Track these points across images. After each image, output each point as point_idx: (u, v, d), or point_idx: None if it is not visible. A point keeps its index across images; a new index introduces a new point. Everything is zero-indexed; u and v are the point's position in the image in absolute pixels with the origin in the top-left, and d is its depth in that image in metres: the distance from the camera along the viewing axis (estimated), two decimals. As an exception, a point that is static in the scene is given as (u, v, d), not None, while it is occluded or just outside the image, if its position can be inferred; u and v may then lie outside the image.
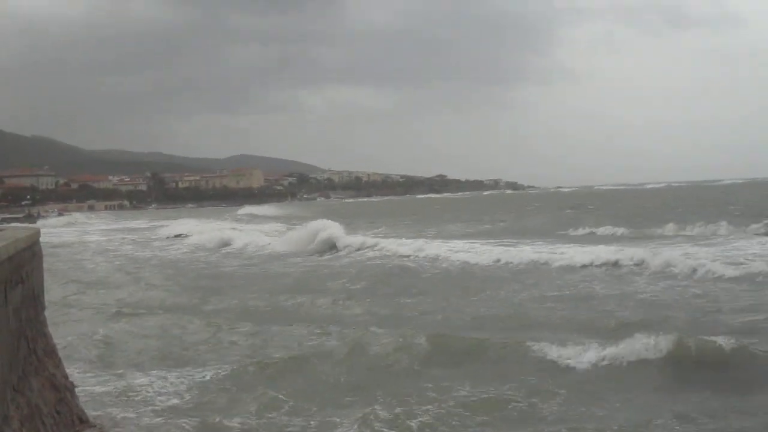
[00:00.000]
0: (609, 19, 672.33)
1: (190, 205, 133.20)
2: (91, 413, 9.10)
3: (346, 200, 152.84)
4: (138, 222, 76.22)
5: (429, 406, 9.11)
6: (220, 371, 11.12)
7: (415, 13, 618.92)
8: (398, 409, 8.97)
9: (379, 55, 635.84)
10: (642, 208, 57.92)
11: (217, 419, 9.07)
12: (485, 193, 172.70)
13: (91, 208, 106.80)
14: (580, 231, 36.92)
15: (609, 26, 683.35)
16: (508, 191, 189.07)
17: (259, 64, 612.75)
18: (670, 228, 34.10)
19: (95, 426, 8.85)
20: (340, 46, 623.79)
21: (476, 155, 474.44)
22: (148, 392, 10.35)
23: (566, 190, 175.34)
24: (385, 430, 8.42)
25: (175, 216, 73.18)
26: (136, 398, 10.12)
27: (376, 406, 9.07)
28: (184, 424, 8.94)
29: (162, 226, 56.69)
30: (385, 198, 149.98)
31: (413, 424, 8.54)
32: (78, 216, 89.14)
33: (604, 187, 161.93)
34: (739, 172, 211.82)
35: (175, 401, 9.98)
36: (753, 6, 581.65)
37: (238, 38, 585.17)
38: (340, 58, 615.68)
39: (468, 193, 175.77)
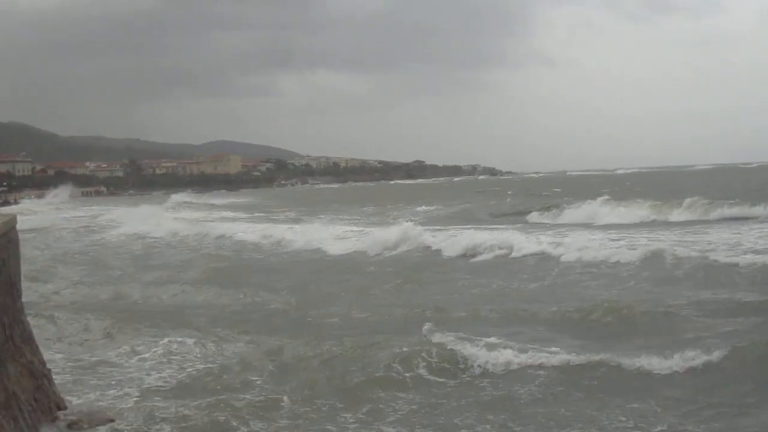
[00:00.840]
0: (589, 4, 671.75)
1: (163, 192, 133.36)
2: (68, 399, 9.47)
3: (320, 186, 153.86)
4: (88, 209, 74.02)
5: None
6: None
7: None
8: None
9: (359, 41, 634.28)
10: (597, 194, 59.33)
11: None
12: (456, 179, 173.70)
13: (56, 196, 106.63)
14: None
15: (589, 11, 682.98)
16: (481, 177, 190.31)
17: (239, 50, 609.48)
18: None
19: (73, 413, 9.01)
20: (320, 31, 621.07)
21: (455, 141, 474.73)
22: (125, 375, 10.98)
23: (539, 175, 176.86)
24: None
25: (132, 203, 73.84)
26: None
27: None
28: (168, 407, 9.39)
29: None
30: (359, 184, 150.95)
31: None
32: (28, 203, 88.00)
33: (576, 173, 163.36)
34: (715, 158, 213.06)
35: (157, 384, 10.61)
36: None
37: (219, 23, 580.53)
38: (320, 43, 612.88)
39: (442, 178, 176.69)
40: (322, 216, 45.31)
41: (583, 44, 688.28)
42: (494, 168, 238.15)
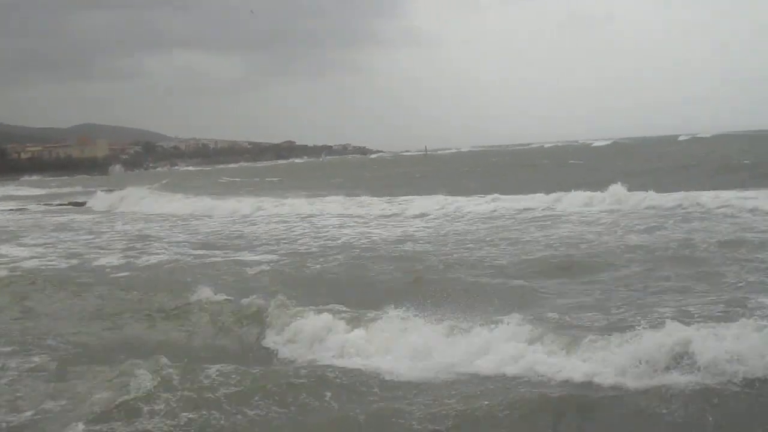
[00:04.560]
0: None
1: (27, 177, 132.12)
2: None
3: (187, 168, 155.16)
4: None
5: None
6: None
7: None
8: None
9: (230, 21, 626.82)
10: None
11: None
12: (321, 159, 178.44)
13: None
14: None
15: None
16: (349, 156, 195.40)
17: (104, 31, 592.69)
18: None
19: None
20: (188, 11, 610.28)
21: (327, 121, 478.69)
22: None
23: (408, 154, 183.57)
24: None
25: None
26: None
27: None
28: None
29: None
30: (216, 166, 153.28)
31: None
32: None
33: (441, 152, 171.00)
34: (607, 133, 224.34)
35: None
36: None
37: (83, 4, 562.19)
38: (189, 23, 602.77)
39: (307, 158, 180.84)
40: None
41: (456, 22, 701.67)
42: (365, 147, 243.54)
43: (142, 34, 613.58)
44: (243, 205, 34.86)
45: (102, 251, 21.24)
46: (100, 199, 46.26)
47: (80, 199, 50.16)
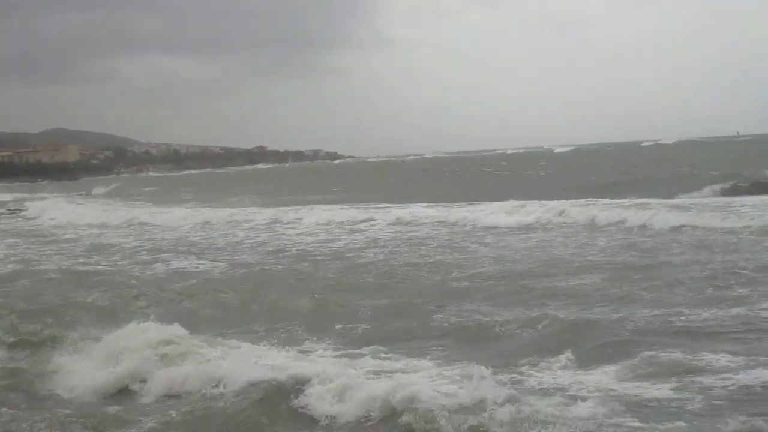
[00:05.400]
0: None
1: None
2: None
3: (150, 174, 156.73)
4: None
5: None
6: None
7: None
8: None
9: (201, 24, 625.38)
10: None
11: None
12: (288, 165, 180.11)
13: None
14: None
15: None
16: (318, 162, 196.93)
17: (77, 33, 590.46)
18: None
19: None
20: (161, 13, 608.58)
21: (301, 125, 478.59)
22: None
23: (372, 160, 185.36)
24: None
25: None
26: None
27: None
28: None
29: None
30: (188, 172, 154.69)
31: None
32: None
33: (412, 157, 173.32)
34: (571, 140, 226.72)
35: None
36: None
37: (55, 6, 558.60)
38: (161, 26, 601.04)
39: (273, 164, 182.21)
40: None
41: (428, 27, 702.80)
42: (336, 152, 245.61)
43: (115, 36, 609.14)
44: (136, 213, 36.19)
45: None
46: (34, 206, 47.21)
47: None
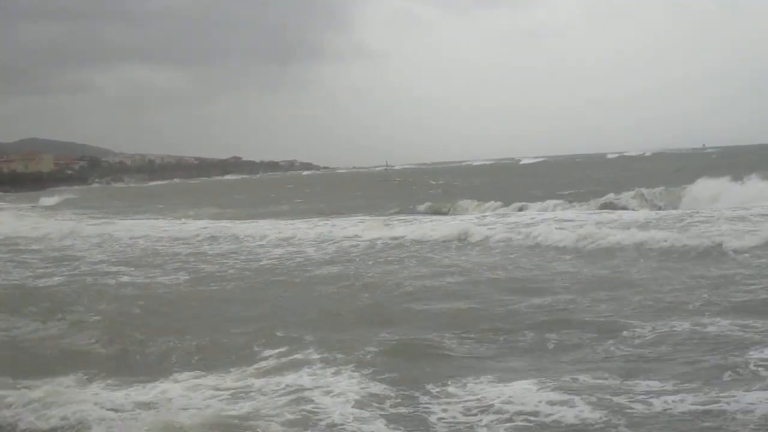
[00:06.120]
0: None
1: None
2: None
3: (118, 185, 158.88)
4: None
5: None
6: None
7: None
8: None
9: (176, 35, 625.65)
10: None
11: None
12: (258, 175, 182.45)
13: None
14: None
15: (412, 5, 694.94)
16: (288, 173, 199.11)
17: (51, 43, 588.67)
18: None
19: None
20: (136, 24, 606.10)
21: (275, 136, 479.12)
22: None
23: (342, 171, 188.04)
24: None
25: None
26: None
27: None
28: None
29: None
30: (159, 182, 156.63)
31: None
32: None
33: (369, 169, 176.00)
34: (545, 151, 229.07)
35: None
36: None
37: (28, 15, 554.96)
38: (136, 37, 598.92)
39: (243, 175, 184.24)
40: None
41: (405, 38, 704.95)
42: (311, 163, 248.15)
43: (90, 47, 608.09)
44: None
45: None
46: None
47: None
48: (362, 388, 8.20)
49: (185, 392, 8.46)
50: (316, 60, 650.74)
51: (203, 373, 9.21)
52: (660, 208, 30.48)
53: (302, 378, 8.66)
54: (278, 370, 9.09)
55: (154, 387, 8.72)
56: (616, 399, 7.52)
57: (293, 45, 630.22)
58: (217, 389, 8.49)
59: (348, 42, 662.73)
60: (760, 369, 8.14)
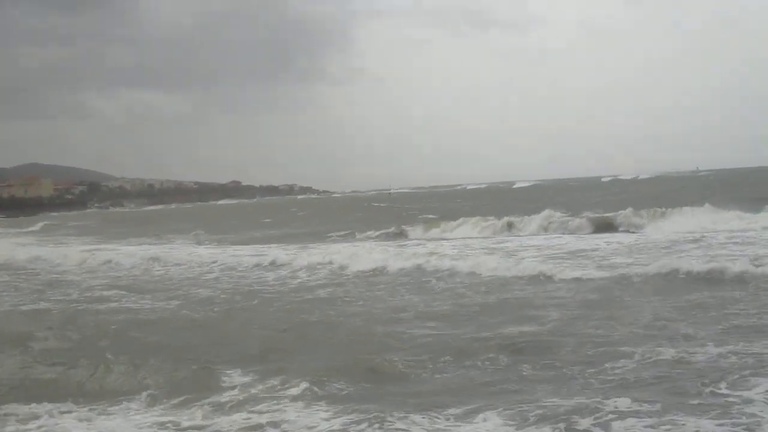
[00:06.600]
0: (408, 19, 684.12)
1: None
2: None
3: (116, 209, 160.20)
4: None
5: None
6: None
7: (212, 14, 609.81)
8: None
9: (176, 58, 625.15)
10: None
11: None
12: (255, 200, 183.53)
13: None
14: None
15: (408, 28, 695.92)
16: (286, 197, 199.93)
17: (50, 68, 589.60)
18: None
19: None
20: (136, 48, 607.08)
21: (275, 160, 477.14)
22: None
23: (337, 195, 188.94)
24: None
25: None
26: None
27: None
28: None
29: None
30: (153, 207, 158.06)
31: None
32: None
33: (371, 193, 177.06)
34: (538, 174, 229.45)
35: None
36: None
37: (26, 39, 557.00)
38: (135, 61, 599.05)
39: (236, 201, 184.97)
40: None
41: (404, 60, 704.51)
42: (311, 187, 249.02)
43: (90, 71, 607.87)
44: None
45: None
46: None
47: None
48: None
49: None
50: (317, 82, 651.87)
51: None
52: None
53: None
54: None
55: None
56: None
57: (293, 67, 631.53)
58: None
59: (348, 64, 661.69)
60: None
